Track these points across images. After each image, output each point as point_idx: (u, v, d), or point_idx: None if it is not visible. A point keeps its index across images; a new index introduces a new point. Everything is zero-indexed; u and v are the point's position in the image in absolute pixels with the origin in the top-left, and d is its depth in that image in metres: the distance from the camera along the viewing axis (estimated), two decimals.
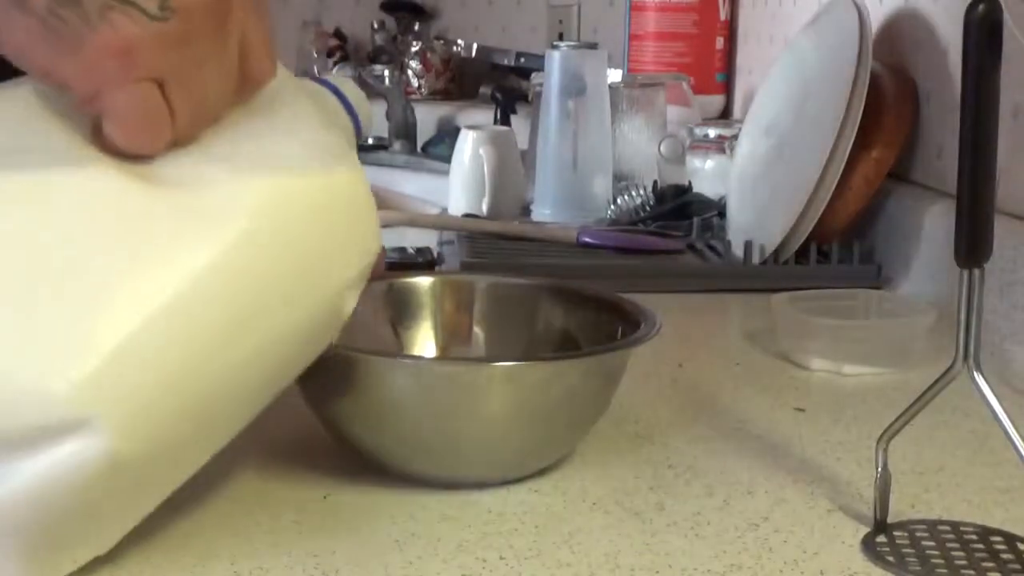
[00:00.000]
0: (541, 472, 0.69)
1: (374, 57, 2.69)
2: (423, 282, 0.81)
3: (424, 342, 0.80)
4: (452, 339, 0.80)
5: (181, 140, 0.58)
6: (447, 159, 1.59)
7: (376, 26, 2.76)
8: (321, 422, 0.71)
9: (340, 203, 0.63)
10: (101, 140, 0.56)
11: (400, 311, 0.80)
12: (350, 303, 0.64)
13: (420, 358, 0.78)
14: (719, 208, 1.37)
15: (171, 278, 0.53)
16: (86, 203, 0.54)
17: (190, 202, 0.56)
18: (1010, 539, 0.62)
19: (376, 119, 2.41)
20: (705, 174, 1.50)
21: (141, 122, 0.56)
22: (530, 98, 1.86)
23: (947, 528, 0.64)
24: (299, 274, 0.59)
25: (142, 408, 0.52)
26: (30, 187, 0.54)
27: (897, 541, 0.62)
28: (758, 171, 1.27)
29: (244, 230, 0.56)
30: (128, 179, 0.55)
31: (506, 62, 2.41)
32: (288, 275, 0.59)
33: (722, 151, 1.48)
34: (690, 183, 1.48)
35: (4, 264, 0.52)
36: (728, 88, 2.04)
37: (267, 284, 0.57)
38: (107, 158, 0.56)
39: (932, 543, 0.62)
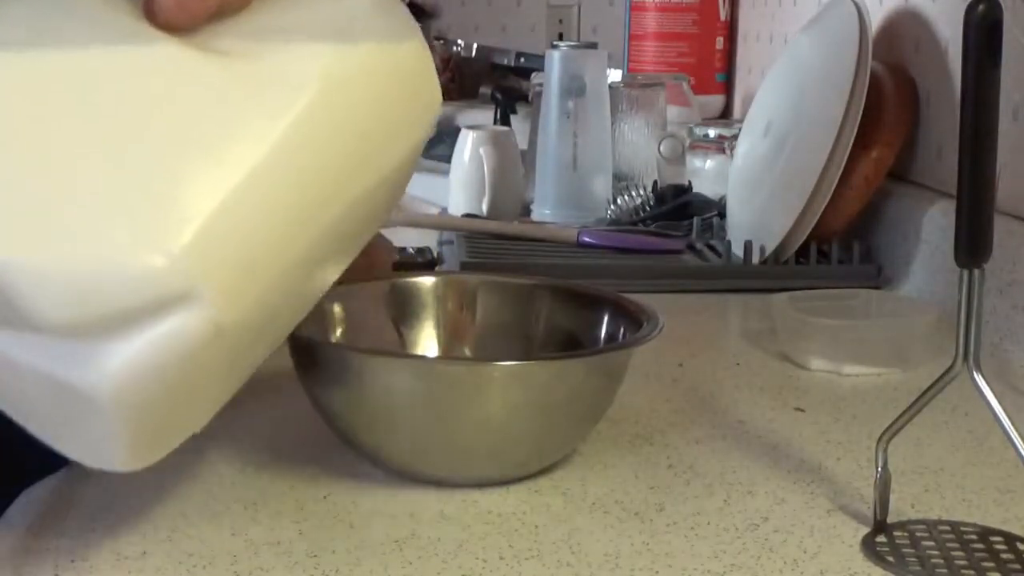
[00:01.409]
0: (541, 472, 0.69)
1: None
2: (425, 282, 0.81)
3: (426, 342, 0.80)
4: (454, 339, 0.80)
5: (228, 5, 0.57)
6: (447, 159, 1.59)
7: None
8: (324, 420, 0.71)
9: (400, 63, 0.62)
10: (150, 7, 0.55)
11: (402, 311, 0.80)
12: (415, 160, 0.64)
13: (423, 358, 0.78)
14: (719, 208, 1.37)
15: (253, 147, 0.53)
16: (159, 76, 0.54)
17: (253, 73, 0.55)
18: (1010, 539, 0.62)
19: None
20: (705, 174, 1.50)
21: None
22: (530, 98, 1.86)
23: (947, 528, 0.64)
24: (375, 135, 0.59)
25: (239, 276, 0.51)
26: (103, 63, 0.53)
27: (897, 541, 0.62)
28: (758, 171, 1.27)
29: (318, 93, 0.56)
30: (195, 52, 0.54)
31: (506, 62, 2.41)
32: (365, 136, 0.59)
33: (722, 151, 1.48)
34: (690, 183, 1.48)
35: (86, 142, 0.51)
36: (728, 88, 2.04)
37: (346, 147, 0.57)
38: (166, 36, 0.55)
39: (932, 543, 0.62)
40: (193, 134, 0.52)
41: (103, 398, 0.50)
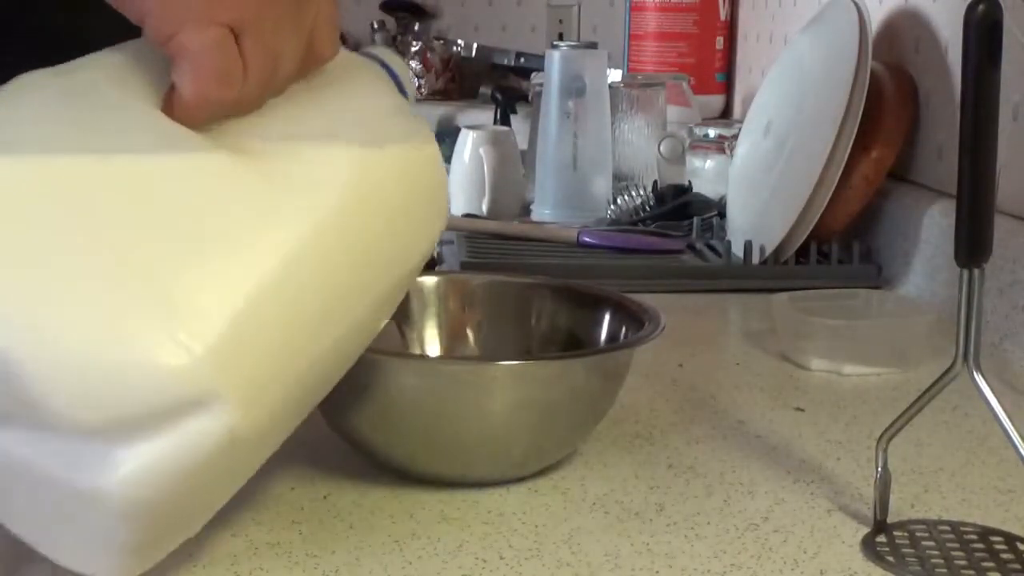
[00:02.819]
0: (541, 472, 0.69)
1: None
2: (427, 282, 0.81)
3: (428, 341, 0.80)
4: (456, 338, 0.80)
5: (247, 101, 0.56)
6: (447, 159, 1.59)
7: (376, 26, 2.76)
8: (325, 420, 0.71)
9: (422, 169, 0.62)
10: (169, 99, 0.54)
11: (404, 310, 0.80)
12: (423, 265, 0.64)
13: (424, 357, 0.78)
14: (719, 208, 1.37)
15: (279, 249, 0.52)
16: (181, 180, 0.53)
17: (281, 175, 0.54)
18: (1010, 539, 0.62)
19: None
20: (705, 174, 1.50)
21: (214, 70, 0.53)
22: (530, 98, 1.86)
23: (947, 528, 0.64)
24: (397, 238, 0.59)
25: (259, 381, 0.51)
26: (124, 166, 0.52)
27: (897, 541, 0.62)
28: (758, 171, 1.27)
29: (339, 201, 0.55)
30: (223, 152, 0.54)
31: (506, 62, 2.41)
32: (387, 238, 0.59)
33: (722, 151, 1.48)
34: (690, 183, 1.48)
35: (106, 245, 0.50)
36: (728, 88, 2.04)
37: (369, 250, 0.57)
38: (194, 135, 0.54)
39: (932, 543, 0.62)
40: (217, 235, 0.52)
41: (112, 503, 0.48)
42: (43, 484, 0.49)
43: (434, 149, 0.63)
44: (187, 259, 0.50)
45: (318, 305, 0.54)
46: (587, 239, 1.29)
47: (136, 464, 0.48)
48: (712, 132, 1.52)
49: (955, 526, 0.64)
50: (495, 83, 2.31)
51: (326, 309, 0.55)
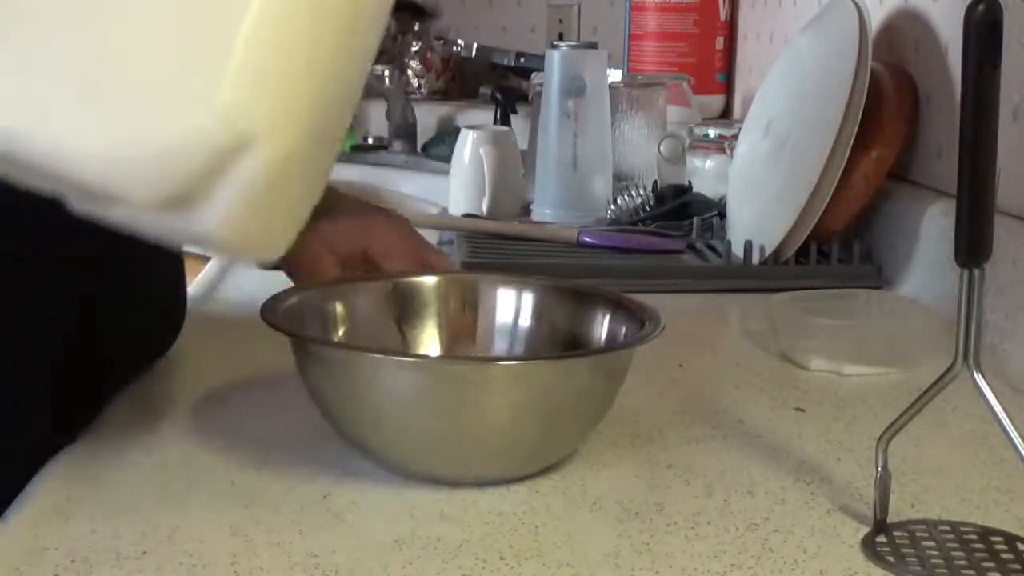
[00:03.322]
0: (541, 472, 0.69)
1: None
2: (428, 281, 0.81)
3: (429, 341, 0.80)
4: (456, 338, 0.80)
5: None
6: (447, 159, 1.59)
7: None
8: (326, 419, 0.71)
9: None
10: None
11: (405, 310, 0.80)
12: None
13: (425, 357, 0.78)
14: (719, 208, 1.37)
15: None
16: None
17: None
18: (1010, 539, 0.62)
19: (375, 119, 2.41)
20: (705, 174, 1.50)
21: None
22: (530, 98, 1.86)
23: (947, 528, 0.64)
24: None
25: (281, 107, 0.52)
26: None
27: (897, 541, 0.62)
28: (758, 171, 1.27)
29: None
30: None
31: (506, 62, 2.41)
32: None
33: (722, 151, 1.48)
34: (690, 183, 1.48)
35: (118, 29, 0.51)
36: (728, 88, 2.04)
37: None
38: None
39: (932, 543, 0.62)
40: None
41: (213, 245, 0.54)
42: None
43: None
44: (184, 24, 0.51)
45: (312, 15, 0.54)
46: (587, 239, 1.29)
47: (214, 218, 0.52)
48: (712, 132, 1.52)
49: (955, 526, 0.64)
50: (495, 83, 2.31)
51: (320, 14, 0.54)
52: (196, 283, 1.17)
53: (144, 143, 0.50)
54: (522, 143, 1.60)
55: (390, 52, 2.67)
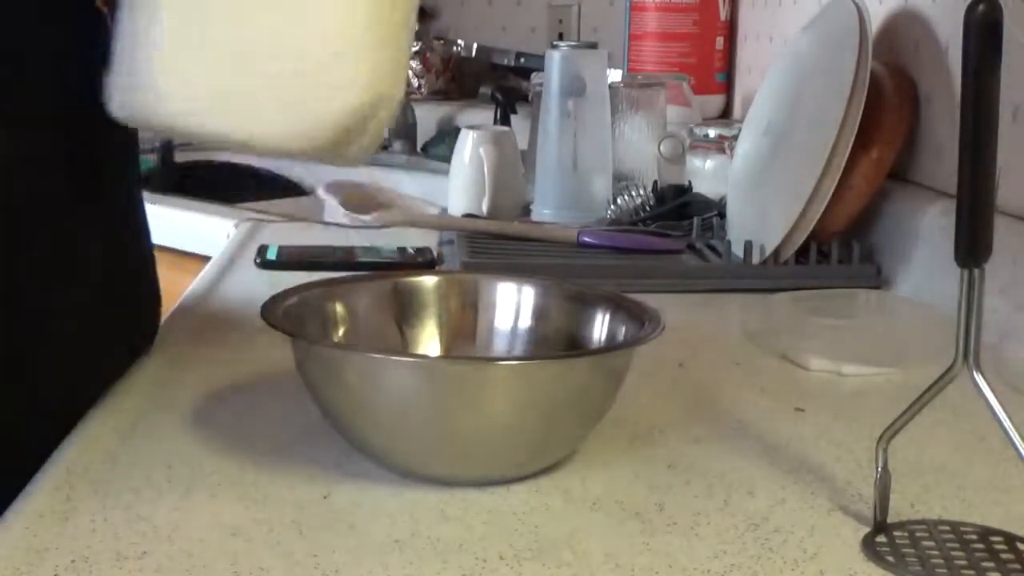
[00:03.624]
0: (541, 472, 0.69)
1: None
2: (428, 281, 0.81)
3: (429, 341, 0.80)
4: (456, 338, 0.80)
5: None
6: (447, 159, 1.59)
7: None
8: (326, 420, 0.71)
9: None
10: None
11: (405, 310, 0.80)
12: None
13: (424, 357, 0.78)
14: (719, 208, 1.37)
15: None
16: None
17: None
18: (1010, 539, 0.62)
19: None
20: (705, 174, 1.50)
21: None
22: (530, 98, 1.86)
23: (947, 528, 0.64)
24: None
25: (398, 67, 0.72)
26: None
27: (897, 541, 0.62)
28: (758, 171, 1.27)
29: None
30: None
31: (506, 62, 2.41)
32: None
33: (722, 151, 1.48)
34: (690, 183, 1.48)
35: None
36: (728, 88, 2.04)
37: None
38: None
39: (932, 543, 0.62)
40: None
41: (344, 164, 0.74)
42: None
43: None
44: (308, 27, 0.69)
45: None
46: (587, 239, 1.29)
47: (354, 152, 0.72)
48: (712, 132, 1.52)
49: (955, 526, 0.64)
50: (495, 83, 2.31)
51: None
52: (196, 283, 1.17)
53: (311, 120, 0.69)
54: (522, 143, 1.60)
55: None
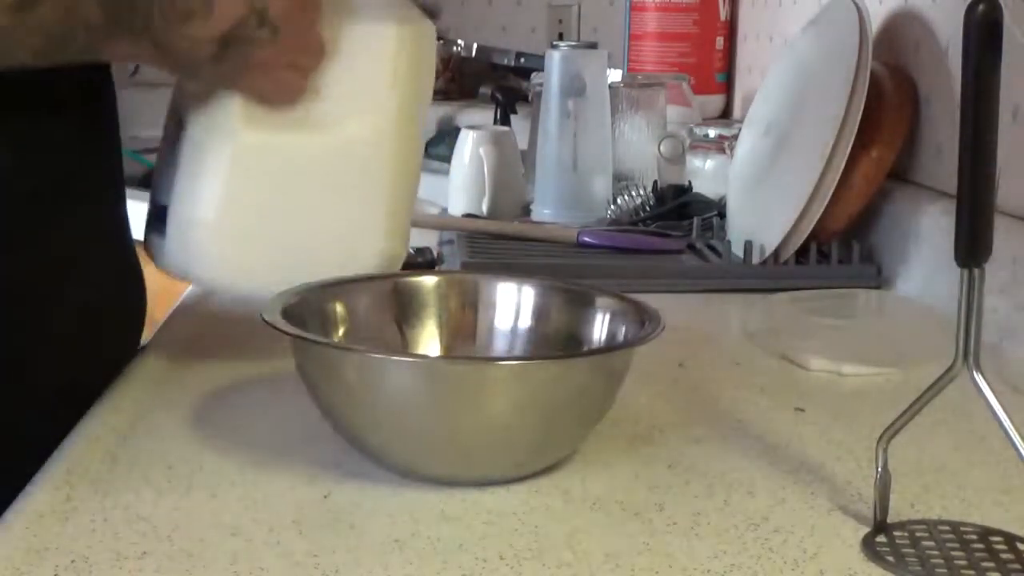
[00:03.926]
0: (541, 472, 0.69)
1: None
2: (428, 281, 0.81)
3: (429, 341, 0.80)
4: (457, 338, 0.80)
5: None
6: (447, 159, 1.59)
7: None
8: (326, 420, 0.71)
9: (431, 38, 0.89)
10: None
11: (405, 310, 0.80)
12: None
13: (425, 357, 0.78)
14: (719, 208, 1.37)
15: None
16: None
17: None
18: (1010, 539, 0.62)
19: None
20: (705, 174, 1.50)
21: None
22: (530, 98, 1.86)
23: (947, 528, 0.64)
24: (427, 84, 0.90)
25: (407, 229, 0.90)
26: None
27: (897, 541, 0.62)
28: (758, 171, 1.27)
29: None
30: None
31: (506, 62, 2.41)
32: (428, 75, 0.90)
33: (722, 151, 1.48)
34: (690, 183, 1.48)
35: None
36: (728, 88, 2.04)
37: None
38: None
39: (932, 543, 0.62)
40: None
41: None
42: None
43: (431, 25, 0.89)
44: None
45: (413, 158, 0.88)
46: (587, 239, 1.29)
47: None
48: (712, 132, 1.52)
49: (955, 526, 0.64)
50: (495, 83, 2.31)
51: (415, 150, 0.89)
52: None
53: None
54: (522, 143, 1.60)
55: None
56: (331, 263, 0.81)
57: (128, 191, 0.92)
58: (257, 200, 0.82)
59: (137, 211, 0.92)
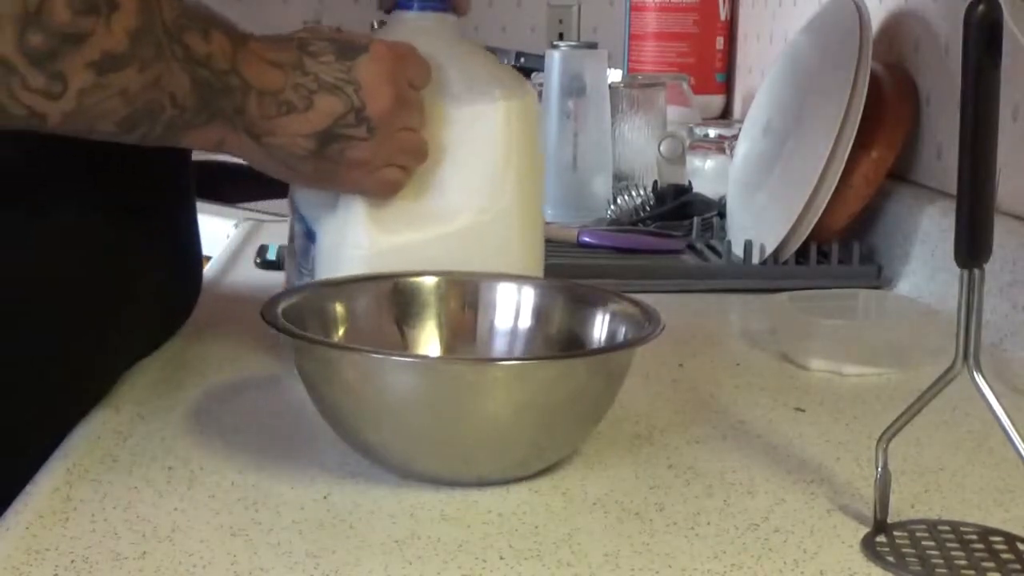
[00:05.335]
0: (541, 472, 0.69)
1: None
2: (428, 281, 0.81)
3: (429, 341, 0.80)
4: (457, 338, 0.80)
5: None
6: None
7: (376, 26, 2.76)
8: (326, 420, 0.71)
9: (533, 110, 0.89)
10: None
11: (405, 310, 0.80)
12: None
13: (425, 357, 0.78)
14: (719, 208, 1.37)
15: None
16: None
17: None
18: (1010, 539, 0.62)
19: None
20: (705, 174, 1.50)
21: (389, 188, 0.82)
22: None
23: (947, 528, 0.64)
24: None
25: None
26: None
27: (897, 541, 0.62)
28: (758, 171, 1.27)
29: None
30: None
31: (506, 62, 2.41)
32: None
33: (722, 151, 1.48)
34: (690, 183, 1.48)
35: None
36: (728, 88, 2.04)
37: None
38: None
39: (932, 543, 0.62)
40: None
41: None
42: None
43: (532, 90, 0.90)
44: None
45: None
46: (587, 239, 1.29)
47: None
48: (712, 132, 1.52)
49: (955, 526, 0.64)
50: None
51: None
52: None
53: None
54: None
55: None
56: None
57: None
58: None
59: None
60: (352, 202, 0.82)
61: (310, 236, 0.86)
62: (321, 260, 0.84)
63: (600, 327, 0.77)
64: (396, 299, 0.80)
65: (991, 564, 0.59)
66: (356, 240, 0.82)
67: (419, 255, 0.82)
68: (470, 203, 0.84)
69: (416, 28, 0.90)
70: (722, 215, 1.34)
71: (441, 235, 0.83)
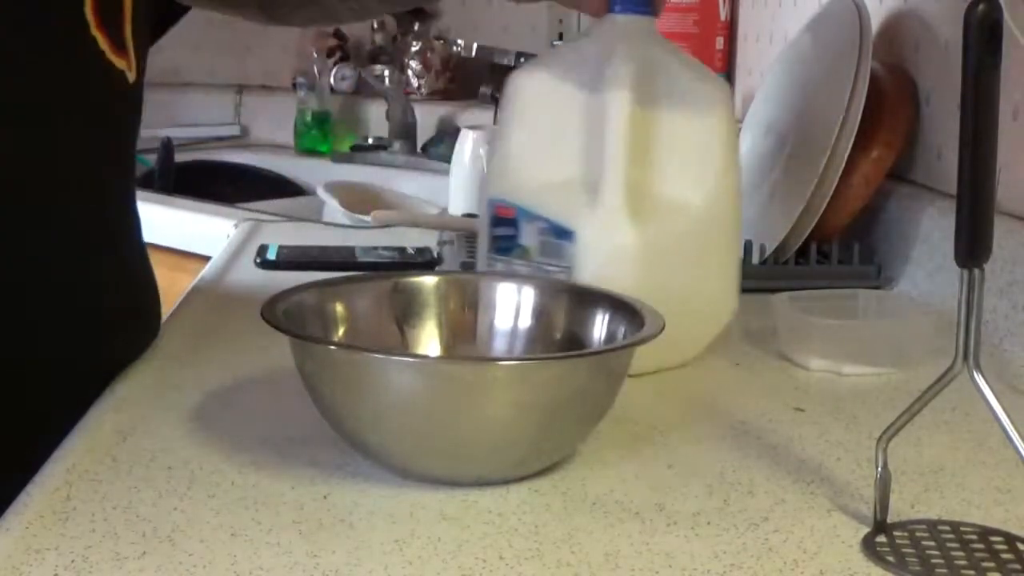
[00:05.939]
0: (541, 472, 0.69)
1: (374, 57, 2.68)
2: (428, 281, 0.81)
3: (429, 341, 0.80)
4: (457, 338, 0.80)
5: None
6: (447, 159, 1.59)
7: (376, 26, 2.76)
8: (326, 419, 0.71)
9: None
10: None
11: (405, 310, 0.80)
12: None
13: (425, 357, 0.78)
14: None
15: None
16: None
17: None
18: (1010, 539, 0.62)
19: (375, 119, 2.41)
20: None
21: None
22: None
23: (947, 528, 0.64)
24: None
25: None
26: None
27: (897, 541, 0.62)
28: (758, 171, 1.27)
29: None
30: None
31: (506, 62, 2.41)
32: None
33: None
34: None
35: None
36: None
37: None
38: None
39: (932, 543, 0.62)
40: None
41: None
42: None
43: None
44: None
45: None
46: None
47: None
48: None
49: (955, 526, 0.64)
50: (495, 83, 2.31)
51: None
52: (196, 283, 1.17)
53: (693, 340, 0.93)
54: None
55: (390, 52, 2.67)
56: (696, 335, 0.92)
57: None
58: (635, 284, 0.83)
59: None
60: (613, 198, 0.87)
61: (562, 235, 0.88)
62: (581, 256, 0.88)
63: (600, 327, 0.77)
64: (396, 299, 0.80)
65: (991, 564, 0.59)
66: (622, 235, 0.87)
67: (662, 245, 0.88)
68: (697, 194, 0.90)
69: (627, 31, 1.06)
70: None
71: (676, 228, 0.89)
